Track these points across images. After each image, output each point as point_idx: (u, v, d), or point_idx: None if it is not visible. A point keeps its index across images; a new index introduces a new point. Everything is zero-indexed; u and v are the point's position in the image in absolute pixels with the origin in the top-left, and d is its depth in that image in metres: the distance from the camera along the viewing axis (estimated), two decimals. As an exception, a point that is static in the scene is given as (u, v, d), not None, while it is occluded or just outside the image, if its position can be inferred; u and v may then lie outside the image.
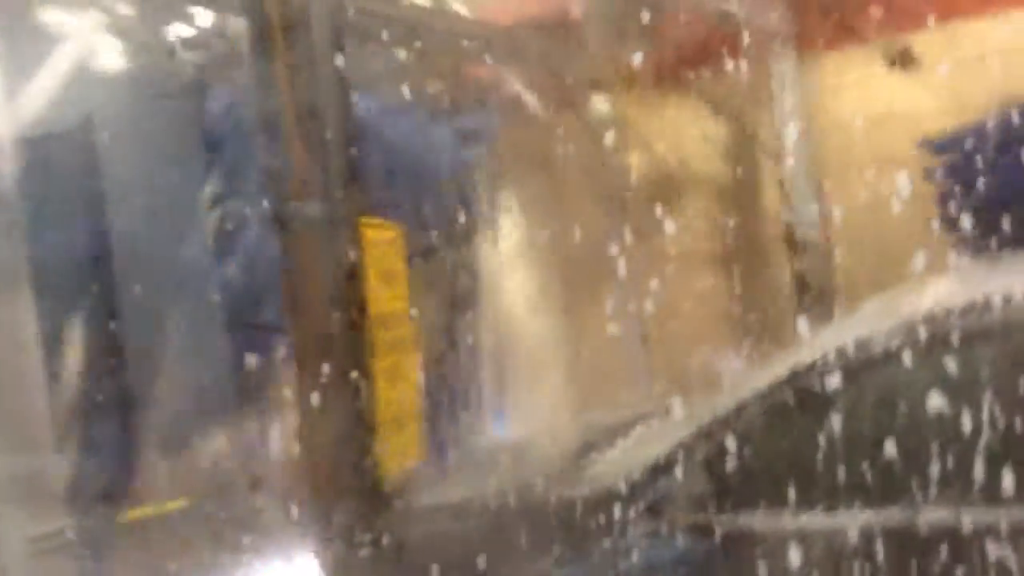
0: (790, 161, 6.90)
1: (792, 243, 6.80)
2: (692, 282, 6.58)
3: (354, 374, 2.77)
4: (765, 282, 6.77)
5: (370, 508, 2.76)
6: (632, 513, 2.60)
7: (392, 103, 6.01)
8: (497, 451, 4.12)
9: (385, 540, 2.67)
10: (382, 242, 2.88)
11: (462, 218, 5.77)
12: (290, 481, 3.09)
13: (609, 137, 7.08)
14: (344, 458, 2.79)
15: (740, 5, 6.36)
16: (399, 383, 2.95)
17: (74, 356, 3.96)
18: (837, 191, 6.87)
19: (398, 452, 2.90)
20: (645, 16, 6.48)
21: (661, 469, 2.70)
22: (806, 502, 2.57)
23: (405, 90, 6.16)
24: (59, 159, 3.91)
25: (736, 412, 2.72)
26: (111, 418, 4.06)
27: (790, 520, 2.59)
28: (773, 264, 6.85)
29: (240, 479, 4.03)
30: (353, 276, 2.76)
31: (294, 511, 2.91)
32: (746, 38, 6.59)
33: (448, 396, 4.95)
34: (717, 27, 6.43)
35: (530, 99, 7.05)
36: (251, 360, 3.75)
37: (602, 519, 2.59)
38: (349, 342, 2.78)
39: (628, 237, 6.16)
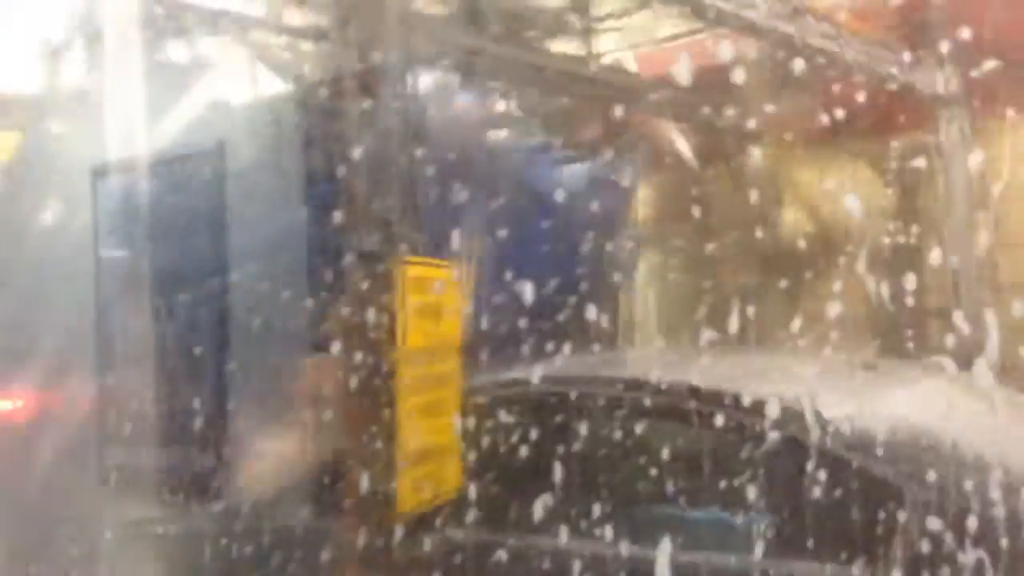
0: (956, 233, 6.52)
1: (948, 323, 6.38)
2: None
3: (379, 405, 2.91)
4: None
5: (385, 532, 2.88)
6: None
7: (536, 145, 6.16)
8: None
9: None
10: (427, 279, 3.01)
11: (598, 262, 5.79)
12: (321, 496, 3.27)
13: (762, 191, 6.95)
14: (366, 482, 2.92)
15: (902, 68, 6.13)
16: (434, 418, 3.05)
17: (183, 359, 4.29)
18: (1009, 270, 6.42)
19: (425, 484, 3.00)
20: (804, 73, 6.35)
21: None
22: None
23: (552, 133, 6.32)
24: (191, 178, 4.26)
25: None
26: (204, 420, 4.33)
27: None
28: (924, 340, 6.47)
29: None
30: (389, 310, 2.90)
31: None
32: (910, 101, 6.34)
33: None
34: (879, 89, 6.21)
35: (682, 148, 7.04)
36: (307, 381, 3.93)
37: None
38: (380, 373, 2.91)
39: (777, 296, 6.02)
